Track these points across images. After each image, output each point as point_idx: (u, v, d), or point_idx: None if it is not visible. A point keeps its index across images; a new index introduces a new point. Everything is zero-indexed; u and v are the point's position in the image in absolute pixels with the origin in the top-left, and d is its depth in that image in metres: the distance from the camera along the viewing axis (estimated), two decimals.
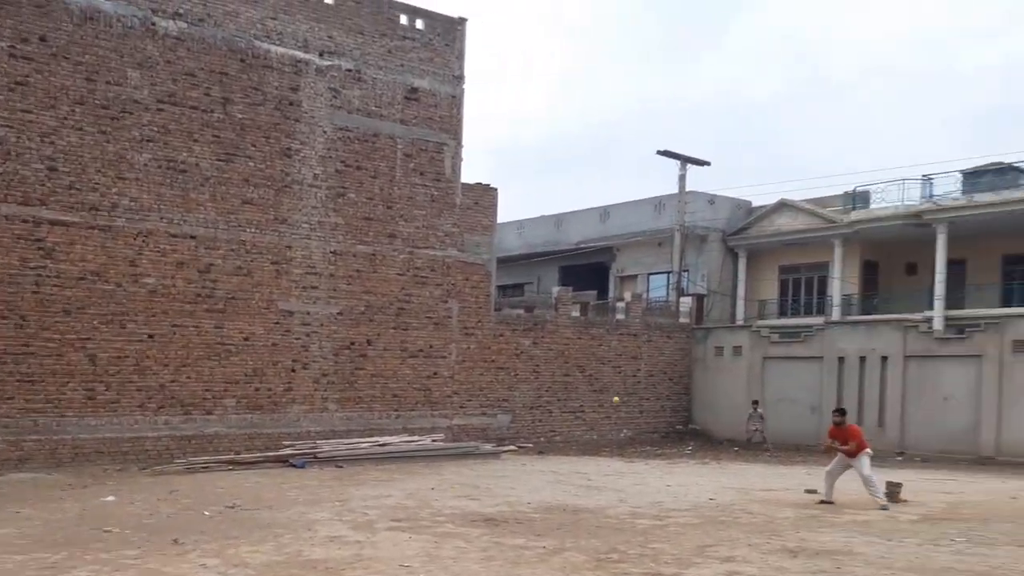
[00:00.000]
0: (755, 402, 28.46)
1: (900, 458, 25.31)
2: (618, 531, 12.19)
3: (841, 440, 15.56)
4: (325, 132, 22.76)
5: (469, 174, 25.95)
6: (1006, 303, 30.82)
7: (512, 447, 24.47)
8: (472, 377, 25.71)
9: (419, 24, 24.35)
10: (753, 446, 27.52)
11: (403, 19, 24.07)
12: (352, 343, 23.17)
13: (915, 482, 18.24)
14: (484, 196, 26.19)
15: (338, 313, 22.97)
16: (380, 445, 21.23)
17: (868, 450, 15.52)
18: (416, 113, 24.24)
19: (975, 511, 14.67)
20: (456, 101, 24.99)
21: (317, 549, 10.69)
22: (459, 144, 25.15)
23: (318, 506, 14.03)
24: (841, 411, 16.43)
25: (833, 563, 10.20)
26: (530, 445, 25.92)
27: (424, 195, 24.46)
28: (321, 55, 22.66)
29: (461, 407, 25.40)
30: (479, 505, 14.39)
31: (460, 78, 25.06)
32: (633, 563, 10.04)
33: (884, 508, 14.82)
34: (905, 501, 15.49)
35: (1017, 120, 75.70)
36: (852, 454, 15.33)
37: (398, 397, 23.98)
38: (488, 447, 23.37)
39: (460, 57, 25.08)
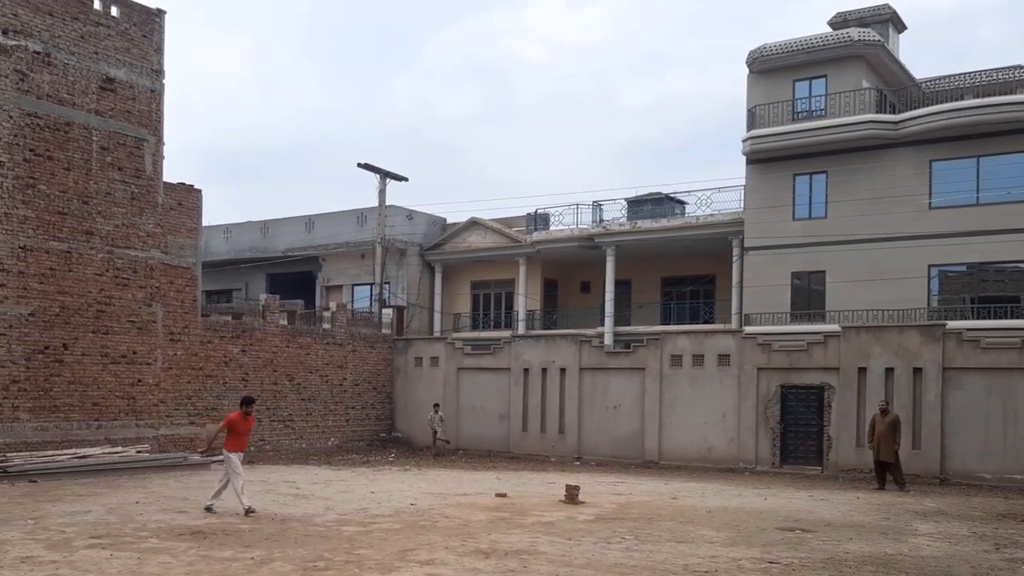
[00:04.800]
0: (436, 405, 29.39)
1: (578, 462, 27.00)
2: (325, 539, 12.12)
3: (245, 430, 14.92)
4: (11, 117, 20.48)
5: (172, 174, 24.78)
6: (665, 321, 33.71)
7: (221, 457, 23.47)
8: (179, 385, 24.36)
9: (114, 11, 22.67)
10: (440, 451, 28.45)
11: (97, 4, 22.27)
12: (46, 347, 21.08)
13: (590, 485, 19.53)
14: (188, 197, 24.94)
15: (29, 314, 20.79)
16: (79, 457, 19.52)
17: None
18: (113, 105, 22.53)
19: (642, 511, 15.82)
20: (156, 96, 23.52)
21: (6, 572, 9.70)
22: (160, 140, 23.66)
23: (8, 525, 12.73)
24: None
25: (520, 562, 10.66)
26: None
27: (123, 192, 22.78)
28: (5, 33, 20.40)
29: (168, 416, 23.97)
30: (186, 518, 13.76)
31: (159, 72, 23.64)
32: (339, 570, 10.03)
33: (209, 510, 14.37)
34: (583, 503, 16.58)
35: (667, 153, 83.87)
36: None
37: (99, 406, 22.09)
38: (197, 458, 21.97)
39: (159, 50, 23.65)
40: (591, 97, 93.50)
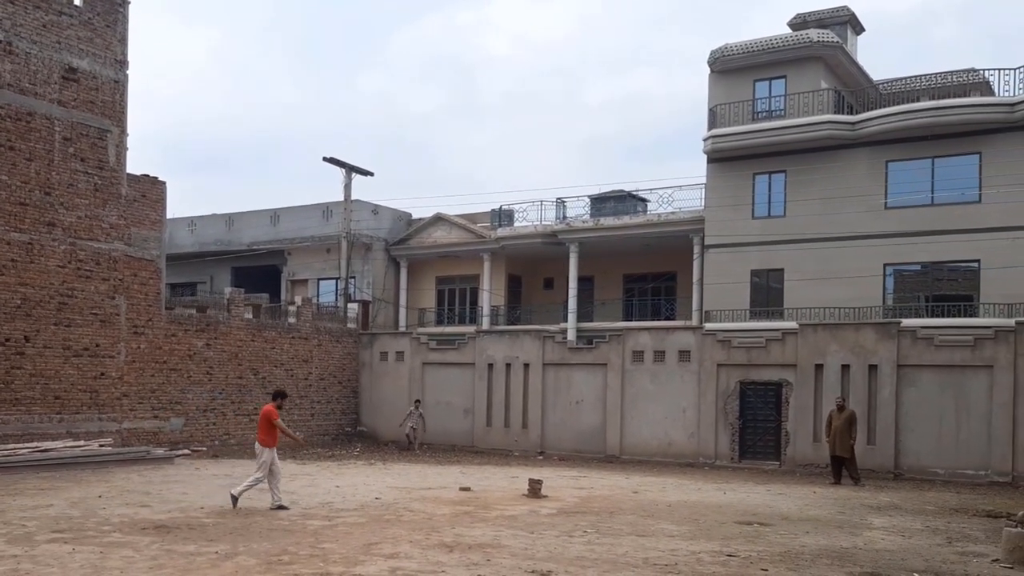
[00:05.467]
0: (417, 401, 29.29)
1: (541, 457, 27.08)
2: (289, 533, 12.05)
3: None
4: None
5: (136, 166, 24.46)
6: (627, 317, 33.87)
7: (185, 451, 23.23)
8: (143, 379, 24.08)
9: (77, 0, 22.27)
10: (408, 447, 28.35)
11: None
12: (7, 339, 20.73)
13: (553, 479, 19.60)
14: (152, 189, 24.63)
15: None
16: (41, 451, 19.18)
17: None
18: (76, 95, 22.15)
19: (603, 505, 15.91)
20: (119, 86, 23.15)
21: None
22: (123, 132, 23.30)
23: None
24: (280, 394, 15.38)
25: (484, 556, 10.67)
26: (204, 449, 24.79)
27: (86, 183, 22.42)
28: None
29: (131, 410, 23.69)
30: (150, 512, 13.59)
31: (123, 63, 23.28)
32: (303, 564, 9.98)
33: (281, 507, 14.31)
34: (545, 497, 16.64)
35: (632, 150, 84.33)
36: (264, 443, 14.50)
37: (61, 399, 21.77)
38: (160, 452, 21.93)
39: (123, 41, 23.28)
40: (557, 94, 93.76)
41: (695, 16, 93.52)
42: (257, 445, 14.74)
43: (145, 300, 24.21)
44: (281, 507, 14.37)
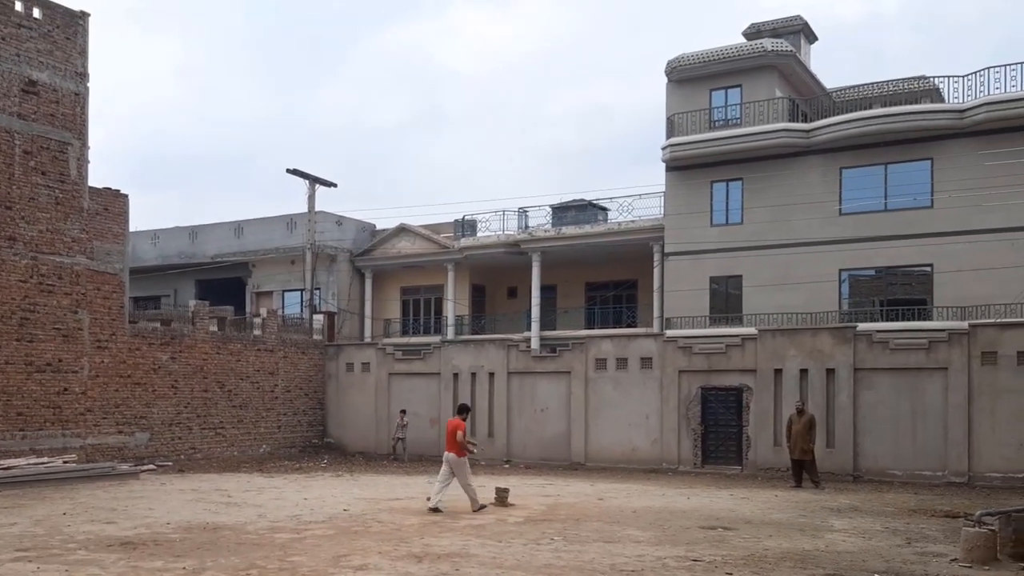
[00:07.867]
0: (402, 412, 29.08)
1: (507, 465, 27.03)
2: (257, 546, 11.94)
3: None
4: None
5: (98, 179, 24.14)
6: (589, 325, 33.98)
7: (151, 466, 22.90)
8: (107, 393, 23.71)
9: (36, 13, 22.03)
10: (399, 456, 28.24)
11: (18, 5, 21.62)
12: None
13: (519, 487, 19.58)
14: (114, 202, 24.35)
15: None
16: (3, 469, 18.79)
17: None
18: (36, 108, 21.84)
19: (570, 512, 15.93)
20: (80, 99, 22.87)
21: None
22: (85, 145, 22.99)
23: None
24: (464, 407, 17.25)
25: (452, 565, 10.66)
26: (170, 463, 24.46)
27: (48, 196, 22.08)
28: None
29: (95, 425, 23.31)
30: (116, 529, 13.38)
31: (84, 75, 23.00)
32: None
33: (484, 507, 15.83)
34: (512, 505, 16.63)
35: (594, 160, 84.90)
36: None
37: (24, 415, 21.35)
38: (125, 467, 21.60)
39: (83, 53, 23.02)
40: (519, 105, 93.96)
41: (657, 27, 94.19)
42: (453, 456, 15.84)
43: (108, 314, 23.86)
44: (436, 510, 15.42)
